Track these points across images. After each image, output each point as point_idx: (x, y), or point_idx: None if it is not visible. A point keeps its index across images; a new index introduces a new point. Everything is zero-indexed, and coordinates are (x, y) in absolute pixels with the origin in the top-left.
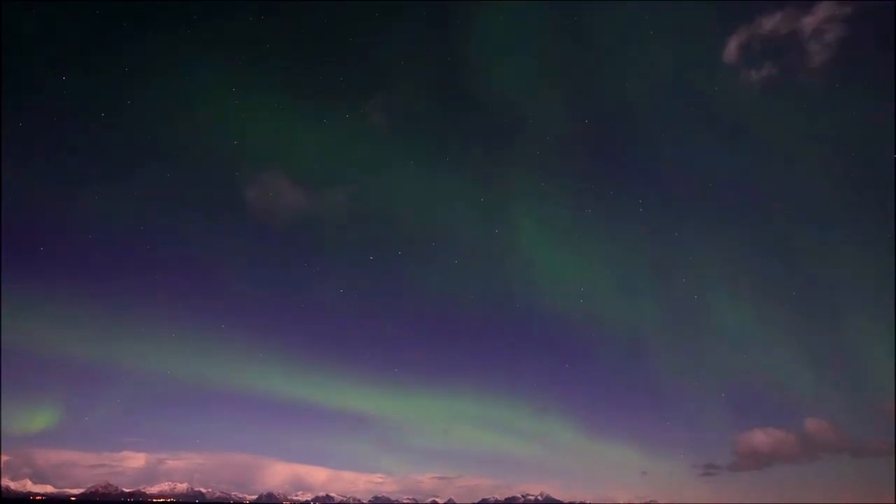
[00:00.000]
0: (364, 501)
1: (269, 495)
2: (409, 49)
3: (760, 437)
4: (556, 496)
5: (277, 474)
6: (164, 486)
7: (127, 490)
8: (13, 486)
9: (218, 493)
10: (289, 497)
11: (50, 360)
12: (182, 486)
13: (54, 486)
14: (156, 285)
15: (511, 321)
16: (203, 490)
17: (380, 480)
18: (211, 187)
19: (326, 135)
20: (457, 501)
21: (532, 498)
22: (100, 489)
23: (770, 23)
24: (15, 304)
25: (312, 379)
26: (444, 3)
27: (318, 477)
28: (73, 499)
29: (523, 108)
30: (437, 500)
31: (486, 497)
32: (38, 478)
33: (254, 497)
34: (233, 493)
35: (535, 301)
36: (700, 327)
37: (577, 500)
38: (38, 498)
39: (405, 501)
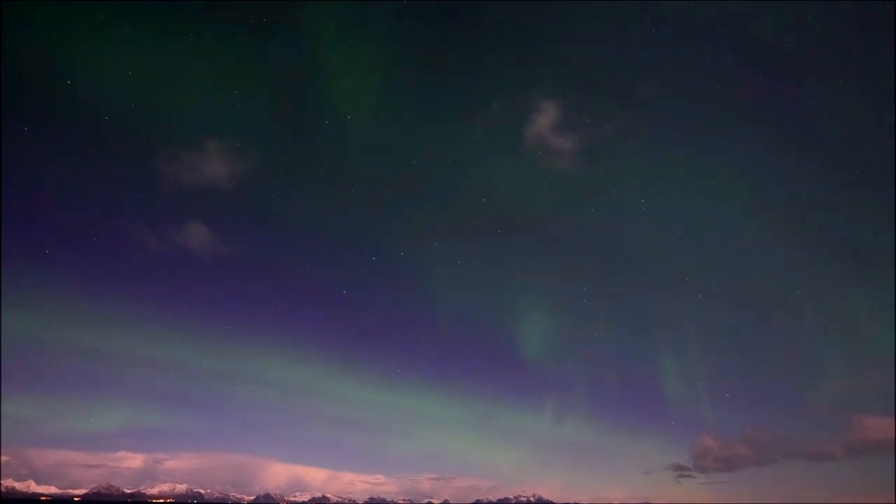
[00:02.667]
0: (359, 502)
1: (267, 496)
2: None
3: (733, 441)
4: (548, 497)
5: (276, 475)
6: (164, 487)
7: (128, 490)
8: (18, 486)
9: (216, 494)
10: (286, 497)
11: (49, 359)
12: (181, 487)
13: (57, 487)
14: (157, 285)
15: (508, 324)
16: (202, 491)
17: (377, 481)
18: None
19: None
20: (452, 502)
21: (524, 499)
22: (102, 490)
23: None
24: (15, 304)
25: (312, 380)
26: None
27: (317, 477)
28: (76, 499)
29: None
30: (433, 501)
31: (480, 498)
32: (38, 478)
33: (251, 498)
34: (231, 494)
35: (534, 303)
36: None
37: (571, 501)
38: (44, 499)
39: (401, 502)
